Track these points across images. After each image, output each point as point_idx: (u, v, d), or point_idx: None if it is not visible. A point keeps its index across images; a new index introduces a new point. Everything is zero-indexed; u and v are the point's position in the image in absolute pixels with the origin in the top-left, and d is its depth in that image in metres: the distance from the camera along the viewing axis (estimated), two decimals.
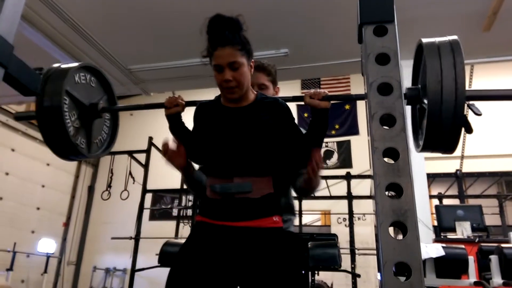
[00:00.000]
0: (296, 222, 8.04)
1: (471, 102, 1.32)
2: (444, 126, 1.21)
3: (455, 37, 1.27)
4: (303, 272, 1.41)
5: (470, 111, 1.31)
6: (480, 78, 8.11)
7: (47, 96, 1.54)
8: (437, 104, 1.18)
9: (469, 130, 1.28)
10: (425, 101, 1.25)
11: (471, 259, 2.85)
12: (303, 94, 1.49)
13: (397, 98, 0.88)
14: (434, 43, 1.25)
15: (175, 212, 9.85)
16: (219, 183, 1.36)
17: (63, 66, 1.64)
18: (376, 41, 0.92)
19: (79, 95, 1.65)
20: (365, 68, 0.93)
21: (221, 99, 1.52)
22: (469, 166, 7.90)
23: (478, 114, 1.29)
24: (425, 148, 1.32)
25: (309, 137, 1.46)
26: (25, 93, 1.50)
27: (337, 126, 10.44)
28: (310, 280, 3.34)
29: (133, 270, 6.57)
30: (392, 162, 0.88)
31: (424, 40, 1.30)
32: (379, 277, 0.90)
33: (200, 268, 1.28)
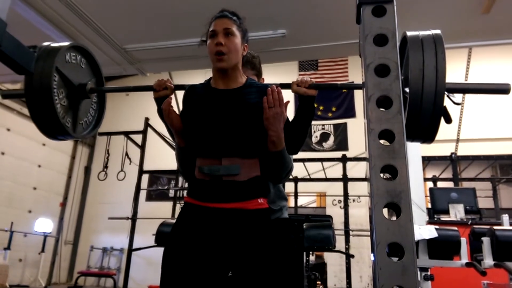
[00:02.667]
0: (292, 203, 8.12)
1: (445, 105, 1.35)
2: (423, 116, 1.24)
3: (438, 31, 1.30)
4: (293, 256, 1.41)
5: (450, 103, 1.33)
6: (479, 61, 8.09)
7: (36, 71, 1.53)
8: (418, 94, 1.21)
9: (448, 120, 1.32)
10: (407, 91, 1.28)
11: (464, 240, 2.89)
12: (291, 82, 1.50)
13: (394, 80, 0.87)
14: (417, 36, 1.29)
15: (171, 193, 9.91)
16: (208, 164, 1.37)
17: (55, 44, 1.62)
18: (375, 21, 0.91)
19: (68, 74, 1.64)
20: (362, 49, 0.92)
21: (210, 82, 1.52)
22: (464, 150, 7.95)
23: (457, 103, 1.33)
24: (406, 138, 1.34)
25: (296, 123, 1.47)
26: (18, 71, 1.48)
27: (334, 109, 10.44)
28: (305, 260, 3.40)
29: (130, 249, 6.65)
30: (388, 144, 0.88)
31: (408, 33, 1.33)
32: (372, 258, 0.92)
33: (190, 250, 1.30)
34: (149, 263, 8.94)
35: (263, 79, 1.89)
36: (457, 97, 1.34)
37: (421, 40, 1.27)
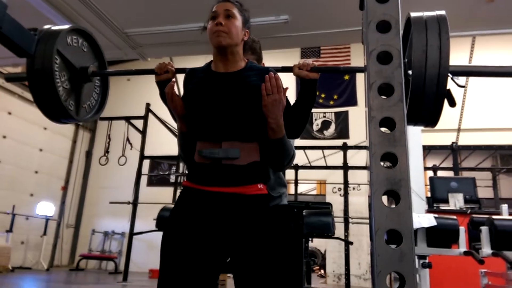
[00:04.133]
0: (292, 190, 8.15)
1: (449, 88, 1.31)
2: (427, 98, 1.21)
3: (442, 12, 1.27)
4: (291, 242, 1.41)
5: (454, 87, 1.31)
6: (482, 50, 8.02)
7: (38, 54, 1.51)
8: (421, 76, 1.19)
9: (452, 103, 1.29)
10: (410, 73, 1.25)
11: (462, 229, 2.91)
12: (292, 66, 1.48)
13: (397, 68, 0.87)
14: (421, 18, 1.25)
15: (172, 178, 9.95)
16: (208, 147, 1.36)
17: (56, 27, 1.60)
18: (378, 8, 0.90)
19: (70, 57, 1.62)
20: (365, 36, 0.91)
21: (211, 65, 1.50)
22: (465, 139, 7.95)
23: (460, 86, 1.31)
24: (408, 121, 1.32)
25: (297, 107, 1.46)
26: (19, 54, 1.47)
27: (335, 97, 10.40)
28: (304, 247, 3.43)
29: (131, 233, 6.72)
30: (388, 132, 0.88)
31: (412, 14, 1.29)
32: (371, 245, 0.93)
33: (189, 235, 1.30)
34: (150, 247, 9.03)
35: (263, 64, 1.88)
36: (461, 79, 1.32)
37: (425, 21, 1.24)
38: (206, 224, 1.31)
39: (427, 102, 1.23)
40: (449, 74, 1.22)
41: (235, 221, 1.30)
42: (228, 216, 1.31)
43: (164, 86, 1.51)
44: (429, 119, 1.32)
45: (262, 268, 1.27)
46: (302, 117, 1.48)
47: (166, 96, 1.42)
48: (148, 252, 8.99)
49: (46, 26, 1.61)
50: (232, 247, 1.30)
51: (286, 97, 1.43)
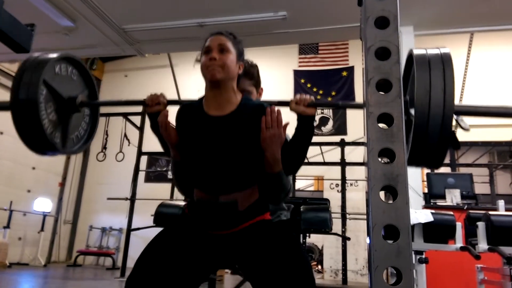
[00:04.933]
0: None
1: (459, 117, 1.30)
2: (430, 140, 1.17)
3: (447, 50, 1.24)
4: (295, 251, 1.38)
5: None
6: (480, 47, 8.03)
7: (23, 84, 1.45)
8: (424, 118, 1.15)
9: (456, 146, 1.26)
10: (412, 113, 1.21)
11: (459, 225, 2.92)
12: (289, 100, 1.44)
13: (395, 63, 0.87)
14: (424, 56, 1.22)
15: (170, 175, 9.94)
16: (205, 198, 1.37)
17: (43, 56, 1.54)
18: (376, 3, 0.90)
19: (57, 87, 1.56)
20: (363, 32, 0.91)
21: (203, 104, 1.46)
22: (463, 135, 7.94)
23: (466, 129, 1.29)
24: (409, 163, 1.26)
25: (294, 143, 1.41)
26: (16, 49, 1.46)
27: (333, 93, 10.40)
28: (301, 242, 3.44)
29: (129, 229, 6.72)
30: (386, 127, 0.88)
31: (415, 51, 1.26)
32: (368, 241, 0.93)
33: (179, 243, 1.33)
34: (147, 243, 9.03)
35: (262, 89, 1.82)
36: (466, 122, 1.29)
37: (428, 59, 1.20)
38: (201, 245, 1.33)
39: (431, 144, 1.18)
40: (454, 116, 1.19)
41: (235, 246, 1.32)
42: (227, 245, 1.33)
43: (155, 117, 1.48)
44: (432, 162, 1.27)
45: (275, 273, 1.24)
46: (299, 153, 1.43)
47: (160, 125, 1.41)
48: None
49: (35, 54, 1.56)
50: (235, 262, 1.33)
51: (286, 134, 1.41)
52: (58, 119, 1.59)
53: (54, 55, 1.56)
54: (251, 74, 1.74)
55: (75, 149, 1.75)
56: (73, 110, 1.64)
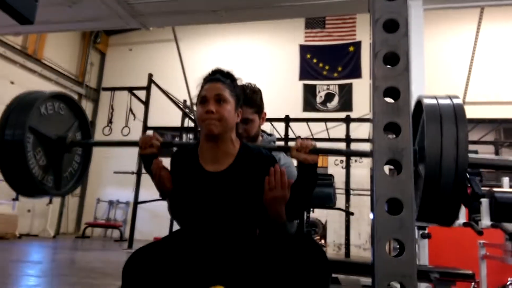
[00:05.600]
0: (294, 163, 8.18)
1: (472, 177, 1.22)
2: (442, 196, 1.11)
3: (459, 100, 1.15)
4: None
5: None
6: (490, 22, 7.84)
7: (7, 136, 1.38)
8: (436, 172, 1.08)
9: (467, 204, 1.20)
10: (421, 168, 1.15)
11: None
12: (289, 146, 1.37)
13: (403, 36, 0.86)
14: (435, 106, 1.13)
15: (175, 149, 9.98)
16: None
17: (27, 98, 1.47)
18: None
19: (45, 129, 1.50)
20: (371, 4, 0.90)
21: (199, 155, 1.39)
22: (470, 112, 7.86)
23: (479, 194, 1.22)
24: (419, 219, 1.21)
25: (296, 192, 1.33)
26: (20, 20, 1.45)
27: (339, 69, 10.28)
28: (305, 217, 3.48)
29: (136, 202, 6.82)
30: (392, 101, 0.88)
31: (425, 101, 1.16)
32: (371, 216, 0.94)
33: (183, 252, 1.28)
34: (154, 215, 9.18)
35: (265, 113, 1.74)
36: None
37: (439, 111, 1.12)
38: (198, 253, 1.28)
39: (443, 201, 1.11)
40: (467, 177, 1.12)
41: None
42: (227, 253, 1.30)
43: (149, 159, 1.44)
44: (443, 220, 1.20)
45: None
46: (302, 201, 1.37)
47: (153, 175, 1.35)
48: (152, 221, 9.14)
49: (21, 94, 1.50)
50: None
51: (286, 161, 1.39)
52: (48, 162, 1.53)
53: (39, 96, 1.49)
54: (253, 101, 1.66)
55: (69, 187, 1.68)
56: (64, 151, 1.59)
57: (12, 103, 1.45)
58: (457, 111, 1.12)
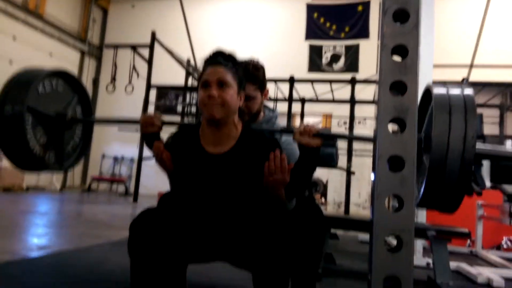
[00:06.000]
0: (298, 123, 8.18)
1: (477, 169, 1.21)
2: (446, 184, 1.11)
3: (470, 91, 1.11)
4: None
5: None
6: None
7: (6, 117, 1.38)
8: (441, 161, 1.07)
9: (470, 192, 1.18)
10: (426, 156, 1.13)
11: None
12: (293, 129, 1.35)
13: None
14: (444, 97, 1.10)
15: (179, 108, 9.99)
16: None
17: (25, 77, 1.46)
18: None
19: (44, 107, 1.48)
20: None
21: (200, 137, 1.38)
22: (477, 75, 7.76)
23: (482, 187, 1.19)
24: (422, 205, 1.22)
25: (297, 174, 1.32)
26: None
27: (347, 29, 10.04)
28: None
29: (140, 159, 6.92)
30: (400, 60, 0.88)
31: (435, 91, 1.13)
32: (372, 176, 0.96)
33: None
34: (158, 171, 9.23)
35: (267, 90, 1.72)
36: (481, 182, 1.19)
37: (449, 101, 1.09)
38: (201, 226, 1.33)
39: (447, 188, 1.11)
40: (472, 169, 1.11)
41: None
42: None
43: (150, 138, 1.43)
44: (446, 207, 1.20)
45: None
46: (302, 182, 1.37)
47: (155, 157, 1.34)
48: (156, 176, 9.22)
49: (16, 75, 1.49)
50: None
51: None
52: (49, 139, 1.53)
53: (36, 75, 1.48)
54: (255, 77, 1.63)
55: (72, 162, 1.69)
56: (64, 127, 1.58)
57: (9, 83, 1.45)
58: (467, 102, 1.09)
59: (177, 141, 1.42)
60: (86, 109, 1.74)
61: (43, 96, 1.51)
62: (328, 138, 1.36)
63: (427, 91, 1.23)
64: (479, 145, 1.17)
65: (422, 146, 1.22)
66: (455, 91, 1.12)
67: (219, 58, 1.36)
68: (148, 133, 1.44)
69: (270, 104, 6.66)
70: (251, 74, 1.60)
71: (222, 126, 1.34)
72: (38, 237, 3.20)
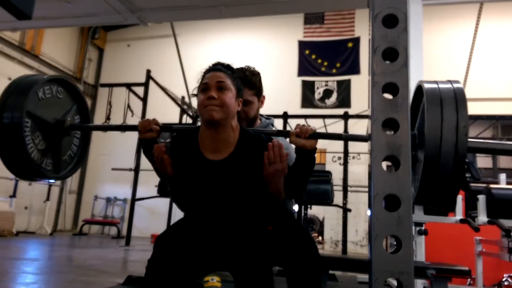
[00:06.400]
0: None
1: (472, 162, 1.24)
2: (441, 182, 1.12)
3: (459, 84, 1.16)
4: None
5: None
6: (489, 18, 7.84)
7: (5, 121, 1.39)
8: (435, 156, 1.09)
9: (467, 189, 1.21)
10: (420, 153, 1.16)
11: (459, 197, 2.94)
12: (289, 131, 1.39)
13: (402, 31, 0.85)
14: (435, 90, 1.14)
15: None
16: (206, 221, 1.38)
17: (24, 82, 1.47)
18: None
19: (43, 113, 1.50)
20: None
21: (199, 143, 1.40)
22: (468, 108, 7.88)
23: (476, 178, 1.22)
24: (417, 203, 1.22)
25: (294, 175, 1.36)
26: (18, 16, 1.44)
27: (338, 65, 10.27)
28: (302, 214, 3.49)
29: (133, 199, 6.81)
30: (391, 97, 0.87)
31: (426, 86, 1.17)
32: (369, 213, 0.95)
33: (189, 239, 1.32)
34: (151, 213, 9.18)
35: (263, 97, 1.77)
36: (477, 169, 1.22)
37: (440, 95, 1.13)
38: (206, 239, 1.33)
39: (442, 184, 1.12)
40: (467, 161, 1.13)
41: (235, 238, 1.33)
42: (228, 237, 1.34)
43: (148, 144, 1.44)
44: (442, 204, 1.21)
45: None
46: (300, 184, 1.40)
47: (155, 159, 1.34)
48: (150, 218, 9.14)
49: (20, 77, 1.50)
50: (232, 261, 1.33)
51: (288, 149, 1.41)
52: (47, 145, 1.53)
53: (36, 80, 1.49)
54: (252, 83, 1.67)
55: (69, 170, 1.68)
56: (62, 134, 1.59)
57: (9, 88, 1.45)
58: (458, 95, 1.12)
59: (176, 146, 1.42)
60: (84, 118, 1.74)
61: (43, 101, 1.52)
62: (322, 138, 1.40)
63: (419, 88, 1.25)
64: (471, 140, 1.19)
65: (416, 142, 1.23)
66: (445, 85, 1.16)
67: (219, 66, 1.41)
68: (147, 139, 1.44)
69: None
70: (249, 80, 1.64)
71: (220, 130, 1.35)
72: (27, 286, 3.07)
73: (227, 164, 1.35)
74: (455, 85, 1.15)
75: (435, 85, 1.17)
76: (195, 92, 1.43)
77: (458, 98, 1.11)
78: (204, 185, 1.35)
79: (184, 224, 1.40)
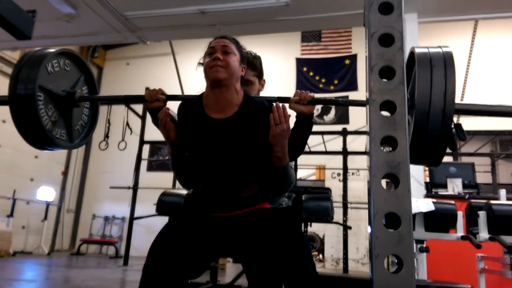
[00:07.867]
0: None
1: (459, 122, 1.30)
2: (429, 139, 1.18)
3: (448, 48, 1.23)
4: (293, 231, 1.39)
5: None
6: (484, 34, 7.95)
7: (19, 96, 1.48)
8: (424, 116, 1.16)
9: (453, 147, 1.27)
10: (412, 113, 1.22)
11: (460, 214, 2.92)
12: (288, 97, 1.45)
13: (398, 50, 0.86)
14: (426, 54, 1.21)
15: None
16: (209, 191, 1.41)
17: (33, 57, 1.54)
18: None
19: (54, 86, 1.58)
20: (367, 18, 0.90)
21: (203, 104, 1.45)
22: (465, 124, 7.90)
23: (462, 139, 1.28)
24: None
25: (294, 139, 1.42)
26: (18, 36, 1.46)
27: (336, 82, 10.34)
28: (303, 231, 3.46)
29: (132, 218, 6.76)
30: (389, 115, 0.88)
31: (417, 50, 1.25)
32: (369, 230, 0.93)
33: (188, 231, 1.35)
34: (150, 231, 9.07)
35: (264, 80, 1.85)
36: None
37: (430, 58, 1.20)
38: (206, 229, 1.36)
39: (430, 143, 1.19)
40: (454, 123, 1.20)
41: (237, 229, 1.35)
42: (230, 229, 1.36)
43: (156, 113, 1.48)
44: (432, 160, 1.28)
45: (272, 257, 1.27)
46: (300, 145, 1.48)
47: (159, 122, 1.40)
48: (148, 237, 9.01)
49: (29, 53, 1.56)
50: (235, 248, 1.36)
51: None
52: (60, 116, 1.62)
53: (45, 54, 1.55)
54: (254, 65, 1.75)
55: (81, 139, 1.77)
56: (73, 105, 1.67)
57: (19, 63, 1.53)
58: (446, 59, 1.20)
59: (182, 111, 1.49)
60: (91, 88, 1.83)
61: (52, 75, 1.59)
62: (321, 103, 1.52)
63: (411, 54, 1.32)
64: (458, 102, 1.26)
65: (408, 105, 1.28)
66: (435, 50, 1.24)
67: (225, 35, 1.49)
68: (154, 108, 1.49)
69: None
70: (250, 61, 1.72)
71: (225, 90, 1.40)
72: None
73: (231, 122, 1.40)
74: (444, 49, 1.24)
75: (426, 50, 1.26)
76: (201, 61, 1.49)
77: (446, 61, 1.19)
78: (209, 144, 1.40)
79: (181, 216, 1.42)
